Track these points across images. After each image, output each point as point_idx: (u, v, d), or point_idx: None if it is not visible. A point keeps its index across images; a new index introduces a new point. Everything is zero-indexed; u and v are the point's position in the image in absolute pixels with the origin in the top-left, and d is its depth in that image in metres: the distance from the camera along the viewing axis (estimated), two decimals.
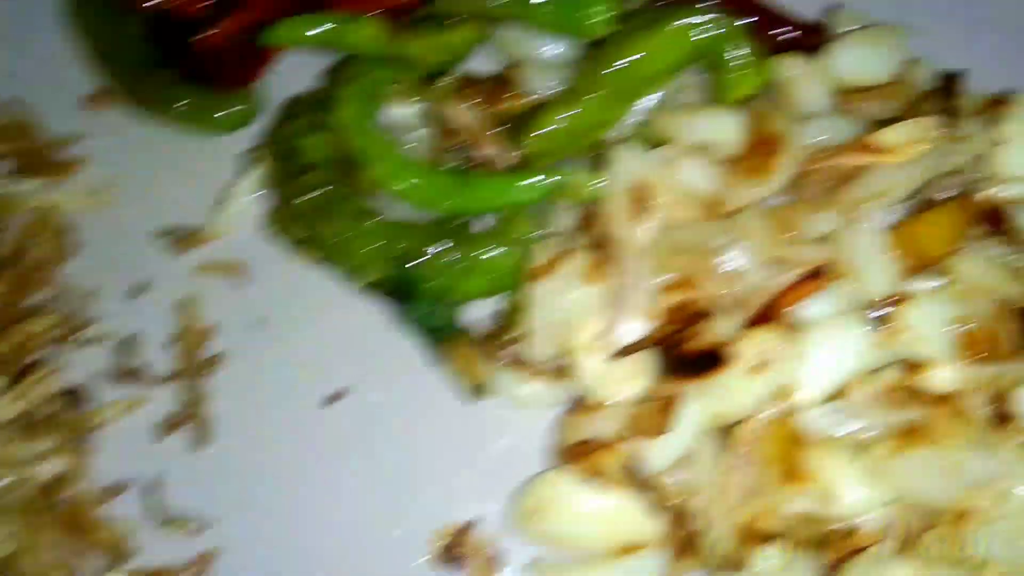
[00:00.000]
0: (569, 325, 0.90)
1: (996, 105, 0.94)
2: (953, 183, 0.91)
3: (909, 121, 0.88)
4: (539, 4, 0.95)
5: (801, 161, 0.89)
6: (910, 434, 0.80)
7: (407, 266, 0.90)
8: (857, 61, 0.97)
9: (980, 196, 0.89)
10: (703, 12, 0.91)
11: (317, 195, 0.93)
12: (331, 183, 0.94)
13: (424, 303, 0.89)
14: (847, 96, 0.96)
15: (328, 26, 0.93)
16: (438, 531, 0.91)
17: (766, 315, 0.84)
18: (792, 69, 0.96)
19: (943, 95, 0.95)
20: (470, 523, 0.91)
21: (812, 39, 1.00)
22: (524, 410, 0.94)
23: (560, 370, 0.92)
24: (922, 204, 0.89)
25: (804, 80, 0.95)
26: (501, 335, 0.94)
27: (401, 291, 0.90)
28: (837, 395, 0.83)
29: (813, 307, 0.84)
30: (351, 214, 0.92)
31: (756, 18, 0.98)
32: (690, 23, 0.91)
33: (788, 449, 0.81)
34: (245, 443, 0.94)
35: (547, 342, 0.91)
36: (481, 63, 1.03)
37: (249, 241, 1.00)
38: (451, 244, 0.92)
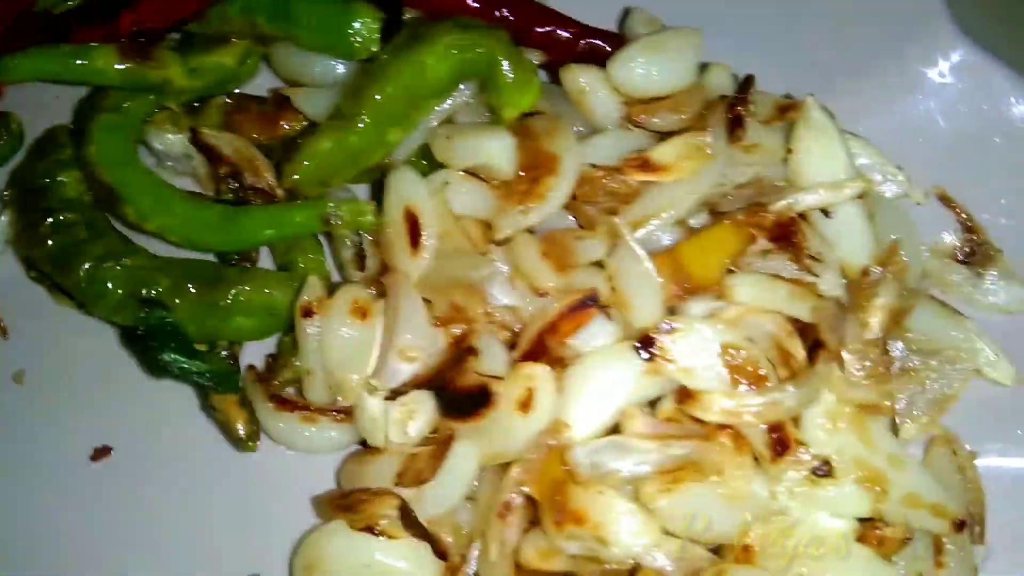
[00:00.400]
0: (346, 366, 0.85)
1: (786, 110, 0.91)
2: (743, 196, 0.88)
3: (685, 135, 0.85)
4: (305, 24, 0.89)
5: (578, 181, 0.85)
6: (684, 468, 0.76)
7: (160, 311, 0.83)
8: (648, 69, 0.92)
9: (771, 209, 0.86)
10: (471, 26, 0.85)
11: (68, 235, 0.86)
12: (84, 222, 0.87)
13: (181, 349, 0.83)
14: (636, 108, 0.91)
15: (62, 58, 0.86)
16: None
17: (536, 349, 0.79)
18: (577, 81, 0.91)
19: (734, 101, 0.91)
20: None
21: (603, 48, 0.96)
22: (303, 455, 0.88)
23: (339, 411, 0.87)
24: (710, 220, 0.86)
25: (590, 92, 0.91)
26: (276, 377, 0.88)
27: (155, 338, 0.83)
28: (611, 430, 0.79)
29: (584, 339, 0.80)
30: (102, 256, 0.85)
31: (537, 27, 0.93)
32: (458, 38, 0.86)
33: (561, 488, 0.77)
34: (10, 504, 0.88)
35: (323, 383, 0.86)
36: (256, 87, 0.97)
37: (3, 287, 0.93)
38: (213, 283, 0.86)
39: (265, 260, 0.94)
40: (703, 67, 0.94)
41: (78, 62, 0.86)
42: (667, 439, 0.77)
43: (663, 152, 0.84)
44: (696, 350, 0.77)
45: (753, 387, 0.77)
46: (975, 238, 0.94)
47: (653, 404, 0.81)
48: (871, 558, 0.78)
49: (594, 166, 0.86)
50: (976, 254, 0.94)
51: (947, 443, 0.88)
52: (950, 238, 0.95)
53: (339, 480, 0.88)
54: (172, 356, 0.82)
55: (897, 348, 0.88)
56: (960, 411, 0.89)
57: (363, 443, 0.87)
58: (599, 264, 0.83)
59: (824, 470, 0.77)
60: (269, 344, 0.91)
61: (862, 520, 0.79)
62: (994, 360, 0.89)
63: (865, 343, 0.80)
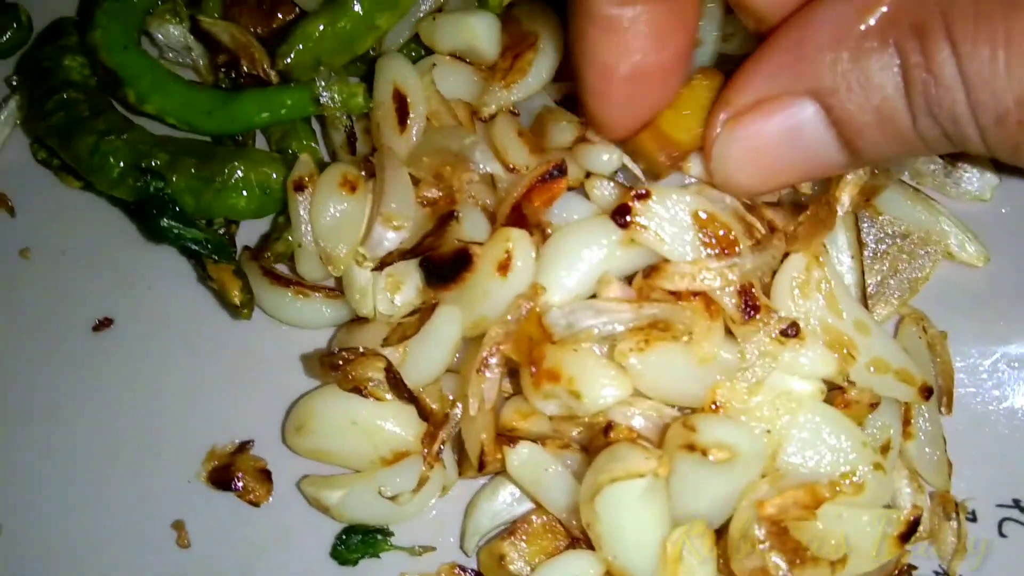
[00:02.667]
0: (335, 237, 0.88)
1: None
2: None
3: None
4: None
5: (558, 61, 0.88)
6: (656, 328, 0.79)
7: (158, 181, 0.87)
8: None
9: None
10: None
11: (72, 112, 0.90)
12: (88, 101, 0.91)
13: (178, 217, 0.87)
14: None
15: None
16: (211, 451, 0.90)
17: (515, 219, 0.82)
18: None
19: None
20: (244, 443, 0.90)
21: None
22: (297, 328, 0.92)
23: (331, 287, 0.91)
24: None
25: None
26: (269, 250, 0.92)
27: (153, 207, 0.87)
28: (589, 296, 0.82)
29: (563, 214, 0.83)
30: (104, 131, 0.89)
31: None
32: None
33: (537, 347, 0.80)
34: (15, 373, 0.92)
35: (314, 256, 0.90)
36: None
37: (12, 170, 0.97)
38: (209, 159, 0.89)
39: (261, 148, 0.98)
40: None
41: None
42: (640, 302, 0.80)
43: None
44: (669, 217, 0.79)
45: (726, 252, 0.79)
46: None
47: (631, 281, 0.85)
48: (837, 416, 0.80)
49: None
50: None
51: (917, 321, 0.90)
52: None
53: (329, 347, 0.91)
54: (170, 223, 0.86)
55: (870, 232, 0.91)
56: (931, 294, 0.92)
57: (355, 318, 0.90)
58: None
59: (792, 331, 0.79)
60: (264, 225, 0.95)
61: (830, 386, 0.82)
62: (963, 242, 0.91)
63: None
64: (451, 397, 0.86)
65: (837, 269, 0.87)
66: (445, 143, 0.86)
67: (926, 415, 0.87)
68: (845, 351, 0.80)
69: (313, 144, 0.95)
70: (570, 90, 0.91)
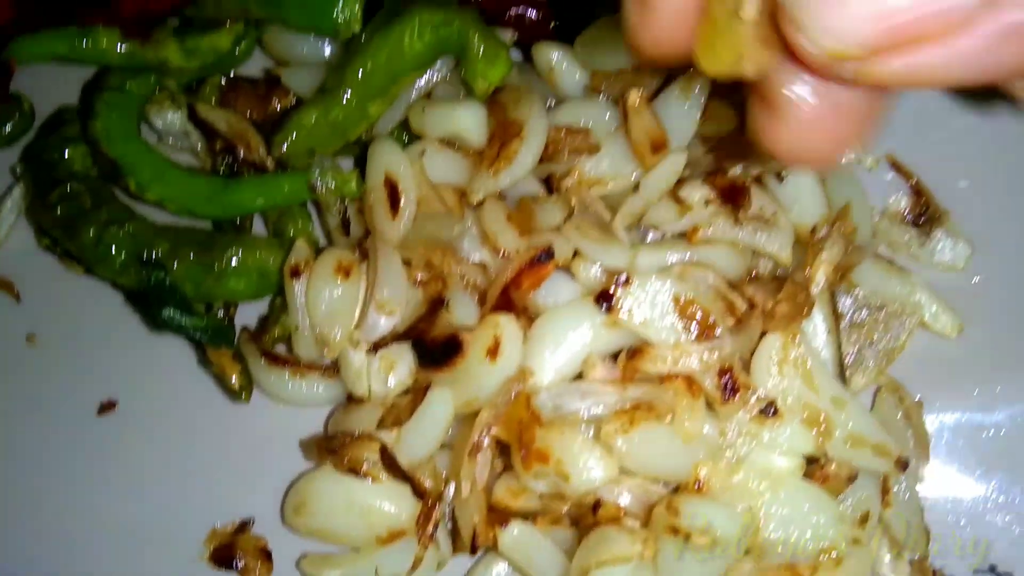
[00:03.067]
0: (331, 322, 0.91)
1: None
2: (706, 160, 0.95)
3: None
4: (292, 7, 0.96)
5: (543, 147, 0.91)
6: (640, 410, 0.82)
7: (159, 271, 0.90)
8: (613, 44, 0.98)
9: (730, 173, 0.92)
10: (445, 5, 0.92)
11: (76, 203, 0.94)
12: (90, 191, 0.94)
13: (179, 305, 0.90)
14: (599, 77, 0.97)
15: (69, 40, 0.94)
16: (212, 531, 0.92)
17: (504, 303, 0.86)
18: (547, 56, 0.97)
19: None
20: (244, 522, 0.93)
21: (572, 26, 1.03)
22: (295, 408, 0.95)
23: (327, 367, 0.94)
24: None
25: (558, 66, 0.97)
26: (267, 334, 0.95)
27: (155, 296, 0.90)
28: (575, 376, 0.85)
29: (550, 295, 0.86)
30: (107, 221, 0.92)
31: (508, 9, 1.00)
32: (432, 16, 0.92)
33: (527, 430, 0.83)
34: (22, 457, 0.95)
35: (311, 339, 0.93)
36: (252, 68, 1.04)
37: (17, 257, 1.00)
38: (209, 247, 0.93)
39: (259, 230, 1.01)
40: None
41: (83, 43, 0.94)
42: (624, 383, 0.83)
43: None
44: (650, 302, 0.83)
45: (705, 334, 0.83)
46: (923, 201, 1.00)
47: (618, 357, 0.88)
48: (816, 492, 0.83)
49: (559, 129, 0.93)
50: (924, 216, 1.00)
51: (893, 391, 0.93)
52: (900, 202, 1.00)
53: (327, 430, 0.95)
54: (171, 312, 0.89)
55: (846, 304, 0.94)
56: (907, 363, 0.95)
57: (350, 399, 0.93)
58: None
59: (770, 411, 0.83)
60: (262, 305, 0.98)
61: (809, 460, 0.86)
62: (937, 313, 0.94)
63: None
64: (445, 473, 0.89)
65: (814, 345, 0.90)
66: (435, 231, 0.89)
67: (904, 484, 0.90)
68: (823, 427, 0.84)
69: (309, 226, 0.98)
70: (551, 171, 0.95)
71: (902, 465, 0.86)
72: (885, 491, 0.90)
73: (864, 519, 0.87)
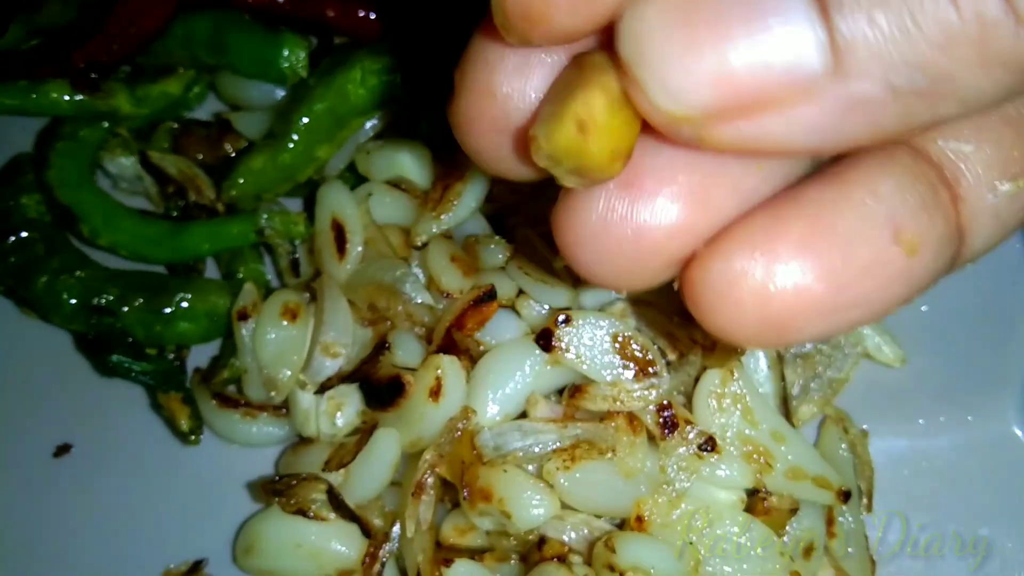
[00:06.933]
0: (278, 363, 0.93)
1: None
2: None
3: None
4: (240, 54, 0.98)
5: (487, 189, 0.93)
6: (581, 447, 0.83)
7: (108, 317, 0.92)
8: None
9: None
10: (383, 53, 0.94)
11: (29, 252, 0.95)
12: (43, 239, 0.95)
13: (128, 351, 0.91)
14: None
15: (20, 94, 0.96)
16: (166, 572, 0.93)
17: (448, 343, 0.87)
18: None
19: None
20: (198, 563, 0.94)
21: None
22: (247, 449, 0.96)
23: (277, 407, 0.95)
24: None
25: None
26: (218, 376, 0.96)
27: (104, 342, 0.91)
28: (519, 415, 0.86)
29: (494, 334, 0.87)
30: (58, 269, 0.94)
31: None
32: (374, 63, 0.94)
33: (470, 469, 0.84)
34: None
35: (259, 380, 0.94)
36: (205, 112, 1.06)
37: None
38: (159, 291, 0.94)
39: (212, 271, 1.02)
40: None
41: (34, 96, 0.96)
42: (565, 422, 0.84)
43: None
44: (589, 341, 0.84)
45: (644, 372, 0.84)
46: None
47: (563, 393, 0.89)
48: (757, 525, 0.84)
49: None
50: None
51: (839, 421, 0.94)
52: None
53: (278, 470, 0.96)
54: (119, 358, 0.91)
55: None
56: (854, 393, 0.96)
57: (301, 439, 0.95)
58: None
59: (708, 446, 0.84)
60: (214, 347, 0.99)
61: (750, 493, 0.86)
62: (880, 344, 0.95)
63: None
64: (391, 510, 0.90)
65: (756, 378, 0.91)
66: (378, 275, 0.90)
67: (847, 515, 0.91)
68: (762, 460, 0.85)
69: (260, 267, 0.99)
70: (498, 209, 0.96)
71: (843, 496, 0.87)
72: (830, 522, 0.91)
73: (808, 550, 0.87)
